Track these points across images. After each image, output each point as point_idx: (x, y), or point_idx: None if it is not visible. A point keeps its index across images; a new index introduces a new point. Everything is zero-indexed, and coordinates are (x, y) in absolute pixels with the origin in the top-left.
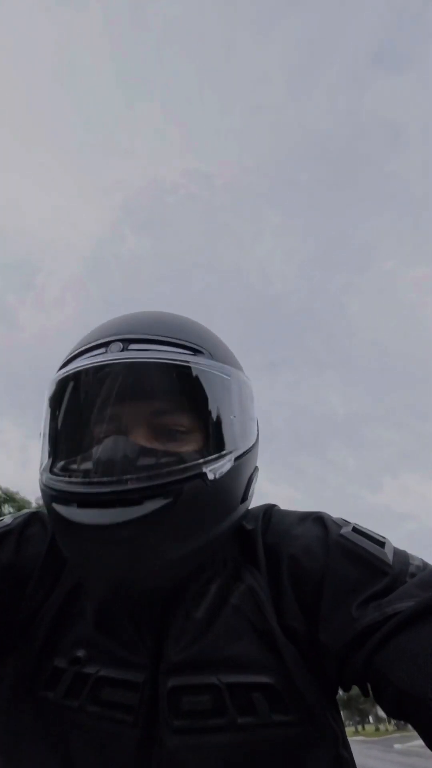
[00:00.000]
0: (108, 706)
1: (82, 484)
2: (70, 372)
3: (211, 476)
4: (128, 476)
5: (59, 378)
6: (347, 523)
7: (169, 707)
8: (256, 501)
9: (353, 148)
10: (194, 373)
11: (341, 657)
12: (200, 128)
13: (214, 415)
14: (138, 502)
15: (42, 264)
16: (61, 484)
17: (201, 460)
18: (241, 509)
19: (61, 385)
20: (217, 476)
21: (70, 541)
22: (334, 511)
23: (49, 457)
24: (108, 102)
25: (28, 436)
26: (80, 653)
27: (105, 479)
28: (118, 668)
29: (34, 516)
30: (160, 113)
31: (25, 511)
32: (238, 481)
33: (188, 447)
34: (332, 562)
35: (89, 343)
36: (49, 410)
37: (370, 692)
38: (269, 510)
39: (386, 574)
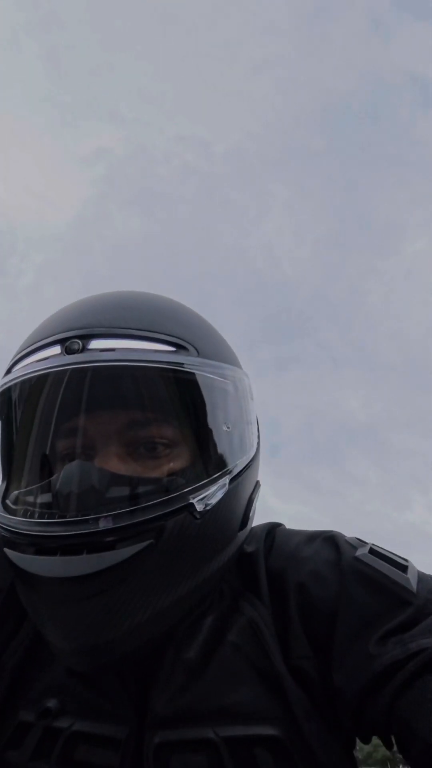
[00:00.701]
0: (83, 767)
1: (39, 524)
2: (13, 381)
3: (200, 507)
4: (96, 514)
5: (1, 388)
6: (363, 543)
7: None
8: (259, 520)
9: (374, 108)
10: (177, 376)
11: (358, 702)
12: (195, 87)
13: (202, 428)
14: (110, 546)
15: (13, 247)
16: (14, 522)
17: (187, 489)
18: (240, 538)
19: (4, 397)
20: (208, 507)
21: (27, 596)
22: (354, 532)
23: None
24: (83, 53)
25: None
26: (50, 704)
27: (68, 518)
28: (95, 721)
29: None
30: (147, 68)
31: None
32: (235, 506)
33: (171, 467)
34: (346, 590)
35: (39, 340)
36: None
37: (394, 744)
38: (273, 529)
39: (409, 603)
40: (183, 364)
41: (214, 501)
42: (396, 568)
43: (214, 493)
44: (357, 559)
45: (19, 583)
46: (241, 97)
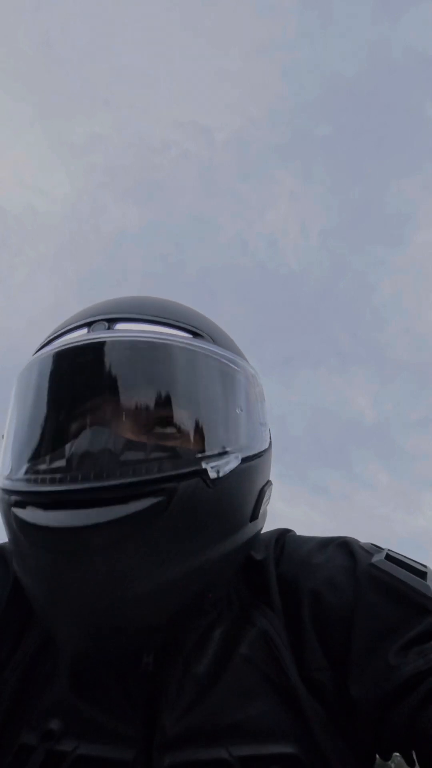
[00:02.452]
0: None
1: (51, 482)
2: (42, 356)
3: (213, 474)
4: (110, 474)
5: (28, 364)
6: (379, 549)
7: None
8: (265, 525)
9: (384, 91)
10: (193, 357)
11: (378, 715)
12: (195, 70)
13: (216, 406)
14: (121, 501)
15: (5, 241)
16: (23, 484)
17: (201, 455)
18: (250, 530)
19: (30, 372)
20: (221, 474)
21: (29, 558)
22: (364, 537)
23: (11, 459)
24: (73, 35)
25: None
26: (54, 725)
27: (80, 475)
28: (101, 743)
29: None
30: (142, 50)
31: None
32: (247, 489)
33: (185, 439)
34: (363, 598)
35: (69, 325)
36: (15, 404)
37: (416, 760)
38: (283, 536)
39: (430, 612)
40: (200, 347)
41: (227, 469)
42: (414, 574)
43: (226, 464)
44: (373, 565)
45: (20, 554)
46: (241, 80)
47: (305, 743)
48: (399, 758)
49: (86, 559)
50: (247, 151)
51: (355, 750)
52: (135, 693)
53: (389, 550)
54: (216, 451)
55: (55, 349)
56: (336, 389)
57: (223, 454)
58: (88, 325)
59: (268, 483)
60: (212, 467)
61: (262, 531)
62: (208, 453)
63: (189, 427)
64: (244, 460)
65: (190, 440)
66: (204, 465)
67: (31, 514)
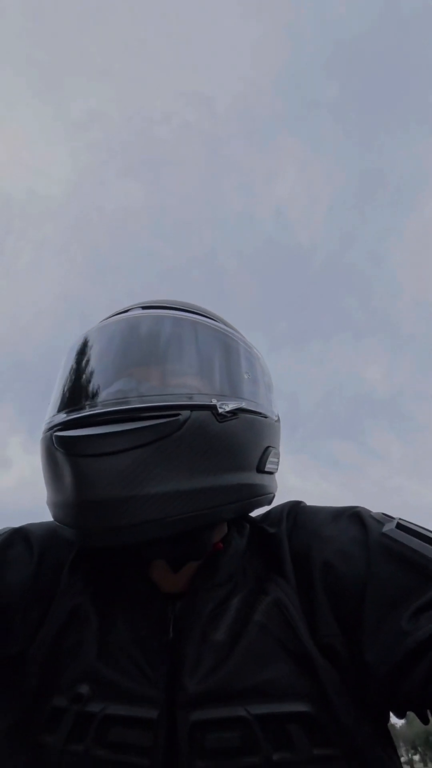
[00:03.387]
0: (118, 748)
1: (82, 409)
2: (84, 331)
3: (221, 410)
4: (133, 397)
5: (71, 345)
6: (390, 518)
7: (191, 746)
8: (277, 497)
9: (394, 51)
10: (209, 330)
11: (392, 679)
12: (191, 35)
13: (228, 367)
14: (143, 419)
15: (9, 225)
16: (62, 416)
17: (212, 393)
18: (257, 479)
19: (73, 344)
20: (228, 411)
21: (63, 467)
22: (377, 508)
23: (55, 408)
24: (65, 5)
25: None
26: (82, 689)
27: (109, 402)
28: (127, 704)
29: (17, 534)
30: (138, 18)
31: (5, 528)
32: (251, 437)
33: (199, 387)
34: (375, 566)
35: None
36: (61, 372)
37: (430, 718)
38: (294, 508)
39: None
40: (218, 325)
41: (232, 406)
42: (425, 542)
43: (235, 405)
44: (384, 535)
45: (59, 460)
46: (242, 43)
47: (319, 703)
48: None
49: (112, 458)
50: (250, 119)
51: (369, 709)
52: (157, 660)
53: (400, 519)
54: (224, 395)
55: (97, 324)
56: (348, 362)
57: (230, 399)
58: (125, 312)
59: (273, 448)
60: (220, 405)
61: (275, 504)
62: (217, 394)
63: (203, 377)
64: (249, 412)
65: (203, 386)
66: (214, 401)
67: (67, 433)
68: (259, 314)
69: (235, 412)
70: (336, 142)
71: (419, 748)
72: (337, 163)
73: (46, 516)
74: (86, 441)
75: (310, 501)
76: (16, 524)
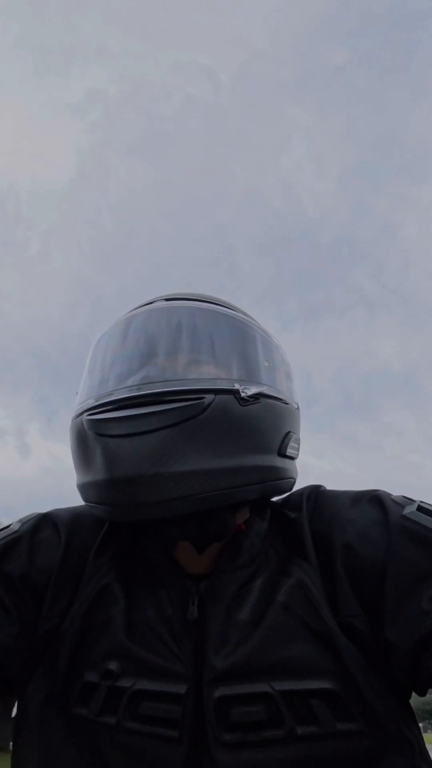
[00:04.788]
0: (148, 721)
1: (110, 394)
2: (113, 323)
3: (243, 394)
4: (159, 382)
5: (98, 338)
6: (410, 501)
7: (218, 720)
8: (298, 482)
9: (406, 11)
10: (232, 320)
11: (413, 657)
12: (190, 3)
13: (249, 355)
14: (169, 402)
15: (17, 215)
16: (92, 402)
17: (235, 378)
18: (279, 462)
19: (100, 336)
20: (250, 395)
21: (94, 448)
22: (395, 484)
23: (84, 396)
24: None
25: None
26: (112, 666)
27: (137, 388)
28: (155, 680)
29: (45, 519)
30: None
31: (33, 513)
32: (272, 421)
33: (223, 374)
34: (395, 548)
35: (135, 308)
36: (89, 361)
37: None
38: (314, 491)
39: None
40: (239, 315)
41: (254, 390)
42: None
43: (256, 390)
44: (405, 517)
45: (90, 441)
46: (243, 8)
47: (342, 679)
48: None
49: (140, 438)
50: (255, 89)
51: (391, 686)
52: (183, 638)
53: (421, 501)
54: (247, 380)
55: (123, 316)
56: (361, 339)
57: (253, 383)
58: (149, 303)
59: (294, 434)
60: (243, 389)
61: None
62: (239, 380)
63: (225, 365)
64: (270, 397)
65: (226, 373)
66: (236, 386)
67: (98, 416)
68: (269, 291)
69: (256, 397)
70: (344, 108)
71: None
72: (345, 131)
73: (66, 502)
74: (116, 422)
75: (326, 479)
76: (43, 509)
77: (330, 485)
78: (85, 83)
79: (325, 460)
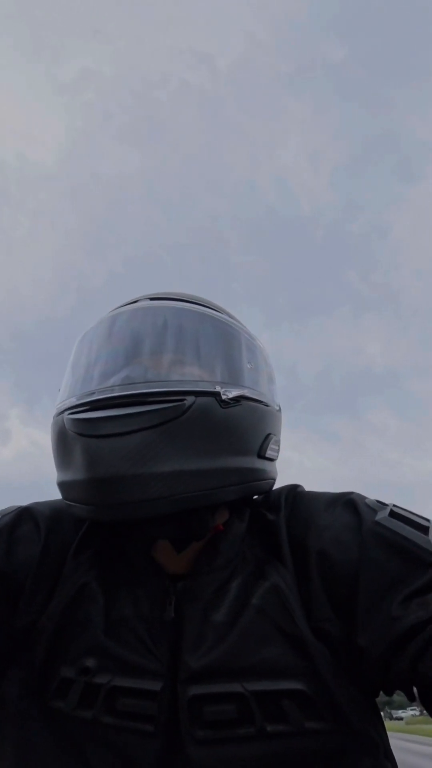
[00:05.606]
0: (125, 716)
1: (91, 394)
2: (97, 321)
3: (224, 396)
4: (141, 382)
5: (81, 335)
6: (383, 506)
7: (191, 717)
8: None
9: (405, 10)
10: (213, 320)
11: (383, 661)
12: None
13: (231, 356)
14: (151, 403)
15: (5, 195)
16: (74, 400)
17: (215, 380)
18: (258, 464)
19: (84, 334)
20: (231, 400)
21: (74, 448)
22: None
23: (67, 393)
24: None
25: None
26: (89, 663)
27: (118, 387)
28: (132, 677)
29: (25, 513)
30: None
31: (13, 507)
32: (253, 423)
33: (204, 375)
34: (368, 554)
35: (119, 306)
36: (72, 359)
37: (417, 697)
38: (292, 493)
39: (430, 565)
40: (222, 316)
41: (235, 393)
42: (417, 529)
43: (238, 392)
44: (377, 523)
45: (69, 441)
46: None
47: (313, 681)
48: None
49: (120, 439)
50: (252, 78)
51: (360, 687)
52: (160, 637)
53: (393, 505)
54: (228, 383)
55: (107, 315)
56: (347, 337)
57: (234, 386)
58: (133, 302)
59: (274, 436)
60: (224, 391)
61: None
62: (221, 382)
63: (208, 366)
64: (251, 399)
65: (208, 375)
66: (218, 388)
67: (79, 415)
68: (259, 286)
69: (237, 399)
70: (341, 103)
71: None
72: (341, 126)
73: (45, 488)
74: (96, 423)
75: (307, 474)
76: (18, 495)
77: (311, 480)
78: (79, 62)
79: (307, 455)
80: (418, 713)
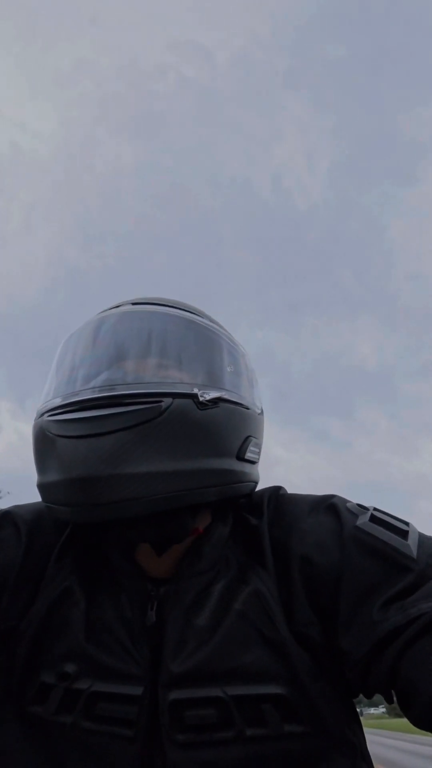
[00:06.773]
0: (104, 721)
1: (72, 394)
2: (79, 326)
3: (202, 398)
4: (120, 384)
5: (63, 340)
6: (364, 510)
7: (171, 721)
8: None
9: (406, 8)
10: (194, 325)
11: (364, 665)
12: None
13: (211, 360)
14: (127, 405)
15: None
16: (55, 402)
17: (193, 383)
18: (237, 466)
19: (68, 338)
20: (208, 400)
21: (52, 449)
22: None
23: (48, 396)
24: None
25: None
26: (69, 668)
27: (97, 389)
28: (113, 681)
29: (6, 517)
30: None
31: None
32: (232, 425)
33: (183, 377)
34: (348, 559)
35: (103, 311)
36: (55, 363)
37: (395, 699)
38: (274, 496)
39: (410, 570)
40: (203, 321)
41: (213, 395)
42: (397, 533)
43: (216, 394)
44: (358, 528)
45: (48, 442)
46: None
47: (292, 685)
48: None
49: (97, 440)
50: (250, 74)
51: (339, 690)
52: (141, 642)
53: (374, 509)
54: (206, 385)
55: (90, 319)
56: (340, 336)
57: (213, 388)
58: (116, 307)
59: (255, 438)
60: (201, 393)
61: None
62: (199, 384)
63: (187, 369)
64: (230, 402)
65: (187, 377)
66: (195, 390)
67: (57, 417)
68: (253, 283)
69: (215, 401)
70: (338, 101)
71: None
72: (338, 125)
73: (28, 480)
74: (74, 424)
75: (296, 473)
76: (7, 488)
77: (299, 478)
78: (75, 52)
79: (296, 452)
80: (385, 712)
